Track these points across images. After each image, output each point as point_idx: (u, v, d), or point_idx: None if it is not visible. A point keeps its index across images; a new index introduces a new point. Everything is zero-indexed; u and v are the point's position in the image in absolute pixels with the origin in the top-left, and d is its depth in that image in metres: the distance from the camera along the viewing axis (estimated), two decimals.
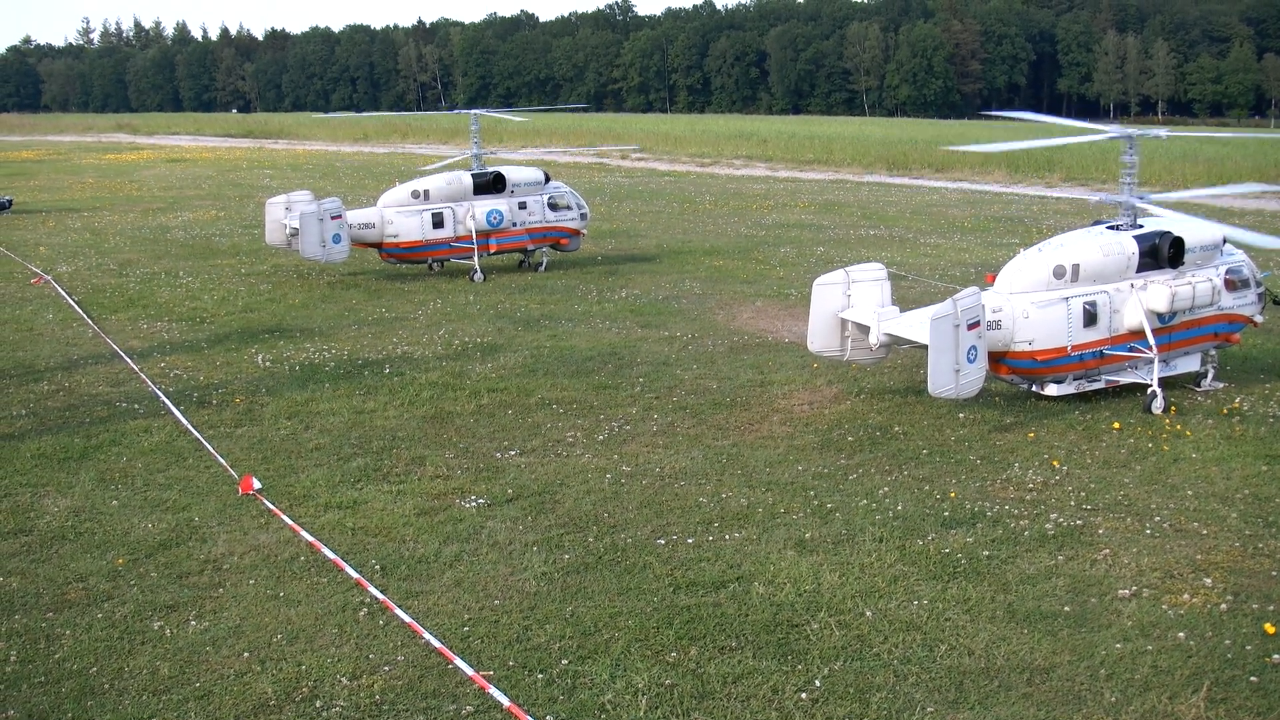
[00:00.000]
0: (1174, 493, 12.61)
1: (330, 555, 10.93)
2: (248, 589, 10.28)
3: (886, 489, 12.75)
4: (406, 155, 74.63)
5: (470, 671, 8.74)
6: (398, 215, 26.01)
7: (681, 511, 12.10)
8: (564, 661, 8.95)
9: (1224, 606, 9.87)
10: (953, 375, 13.95)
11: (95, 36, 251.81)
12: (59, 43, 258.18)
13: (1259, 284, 17.00)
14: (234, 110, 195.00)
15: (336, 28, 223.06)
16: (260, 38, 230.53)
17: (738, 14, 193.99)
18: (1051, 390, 15.60)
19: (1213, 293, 15.86)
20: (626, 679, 8.68)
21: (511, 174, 27.14)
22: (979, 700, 8.41)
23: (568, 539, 11.40)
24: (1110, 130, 17.39)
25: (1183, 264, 15.89)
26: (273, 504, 12.27)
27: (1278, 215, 39.54)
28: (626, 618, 9.68)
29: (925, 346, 14.17)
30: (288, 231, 25.89)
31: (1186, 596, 10.07)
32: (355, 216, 25.80)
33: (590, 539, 11.39)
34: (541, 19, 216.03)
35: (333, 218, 24.80)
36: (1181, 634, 9.38)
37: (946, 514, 11.98)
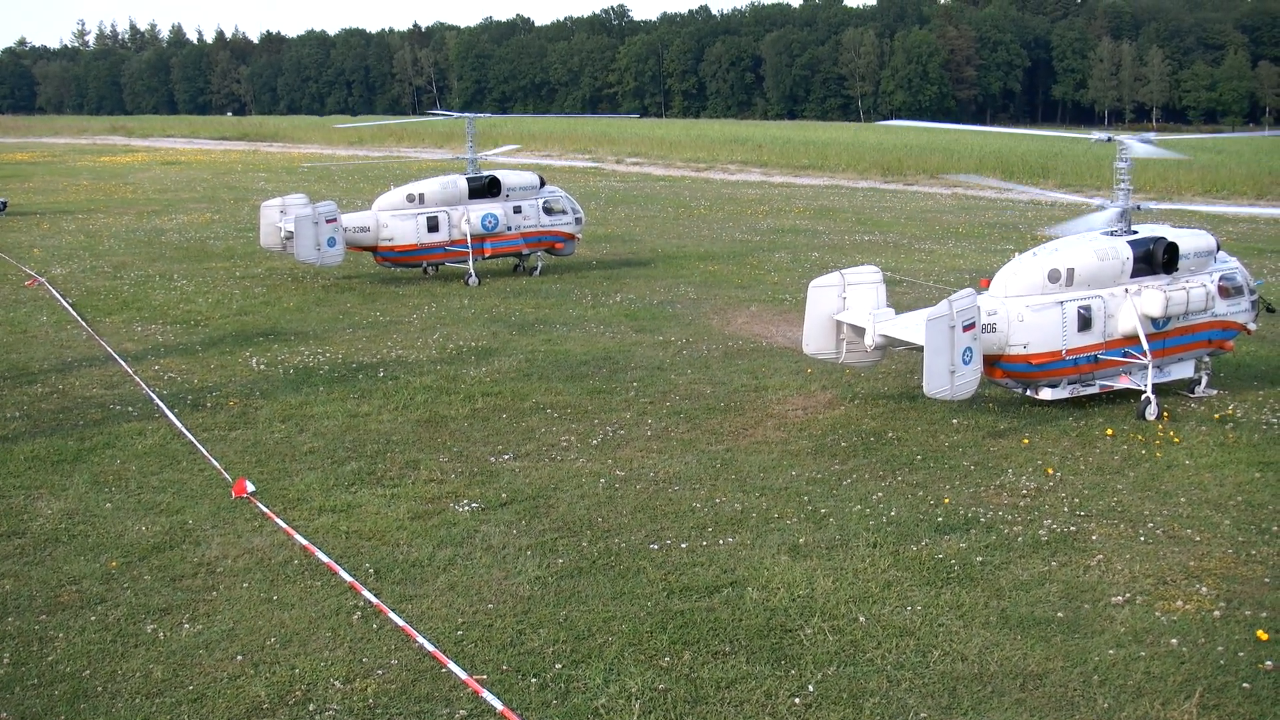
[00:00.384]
0: (1167, 499, 12.63)
1: (324, 559, 10.92)
2: (241, 592, 10.27)
3: (880, 494, 12.77)
4: (401, 159, 74.60)
5: (464, 675, 8.74)
6: (393, 219, 26.03)
7: (675, 516, 12.10)
8: (558, 666, 8.95)
9: (1217, 613, 9.89)
10: (948, 376, 13.99)
11: (90, 38, 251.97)
12: (54, 44, 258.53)
13: (1252, 291, 17.05)
14: (229, 113, 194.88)
15: (332, 31, 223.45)
16: (255, 41, 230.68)
17: (733, 19, 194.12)
18: (1046, 394, 15.63)
19: (1206, 299, 15.92)
20: (620, 683, 8.68)
21: (507, 178, 27.17)
22: (972, 706, 8.42)
23: (562, 543, 11.39)
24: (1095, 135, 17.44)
25: (1177, 270, 15.94)
26: (267, 507, 12.26)
27: (1271, 222, 39.60)
28: (620, 622, 9.68)
29: (921, 348, 14.20)
30: (283, 235, 25.89)
31: (1179, 603, 10.09)
32: (350, 220, 25.81)
33: (584, 543, 11.39)
34: (537, 23, 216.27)
35: (328, 221, 24.81)
36: (1174, 640, 9.40)
37: (940, 520, 11.99)
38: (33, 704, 8.46)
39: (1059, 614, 9.87)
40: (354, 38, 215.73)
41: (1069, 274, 15.36)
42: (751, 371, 18.28)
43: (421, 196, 26.24)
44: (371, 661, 9.03)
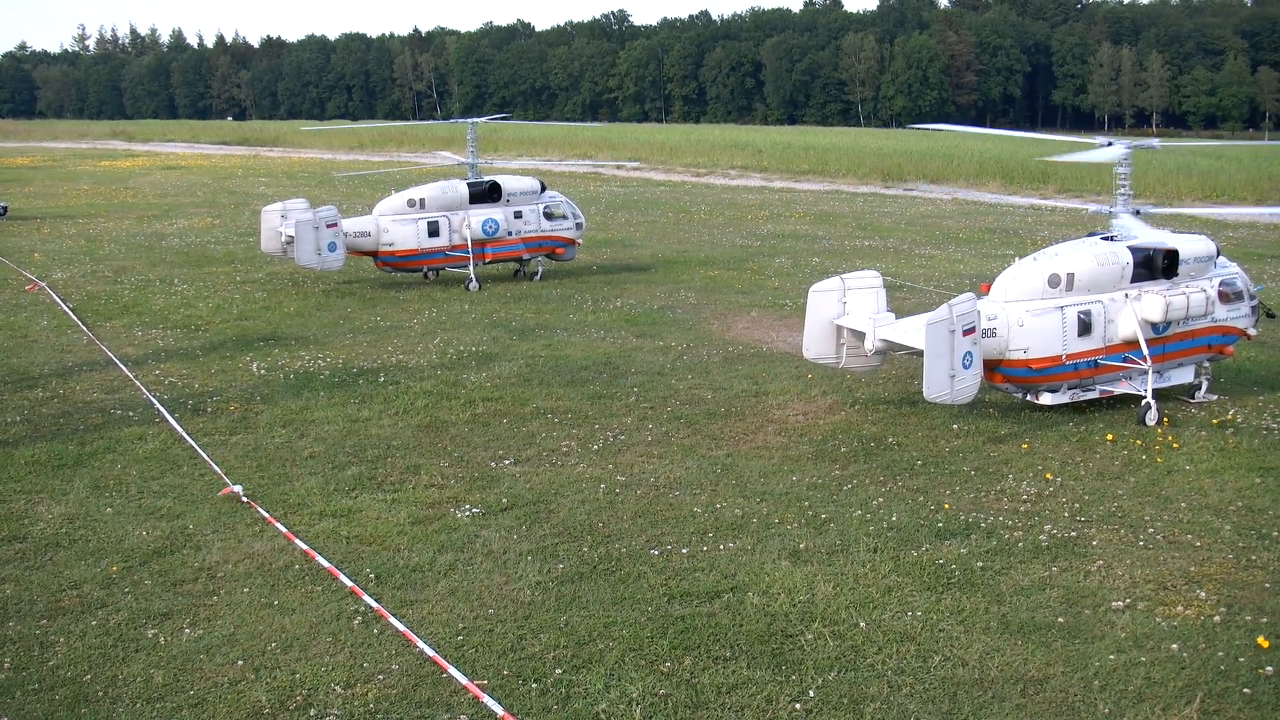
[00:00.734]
0: (1167, 505, 12.64)
1: (324, 564, 10.92)
2: (242, 597, 10.28)
3: (881, 500, 12.77)
4: (402, 164, 74.57)
5: (464, 681, 8.74)
6: (393, 224, 26.06)
7: (676, 521, 12.10)
8: (558, 671, 8.95)
9: (1217, 618, 9.89)
10: (948, 380, 14.00)
11: (91, 43, 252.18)
12: (54, 49, 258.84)
13: (1252, 297, 17.06)
14: (229, 118, 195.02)
15: (332, 36, 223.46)
16: (256, 45, 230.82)
17: (733, 24, 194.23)
18: (1046, 399, 15.64)
19: (1206, 304, 15.93)
20: (621, 688, 8.68)
21: (507, 183, 27.19)
22: (972, 711, 8.42)
23: (562, 548, 11.40)
24: (1098, 141, 17.46)
25: (1177, 275, 15.96)
26: (267, 512, 12.26)
27: (1271, 228, 39.61)
28: (621, 627, 9.68)
29: (921, 352, 14.21)
30: (283, 239, 25.92)
31: (1180, 608, 10.09)
32: (351, 225, 25.84)
33: (585, 549, 11.39)
34: (537, 28, 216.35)
35: (328, 226, 24.84)
36: (1175, 646, 9.40)
37: (940, 525, 11.99)
38: (33, 709, 8.46)
39: (1060, 619, 9.87)
40: (354, 42, 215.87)
41: (1069, 279, 15.37)
42: (752, 377, 18.29)
43: (422, 201, 26.27)
44: (372, 667, 9.03)
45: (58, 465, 13.88)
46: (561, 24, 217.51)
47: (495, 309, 24.34)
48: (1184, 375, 16.61)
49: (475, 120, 28.91)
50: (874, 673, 8.94)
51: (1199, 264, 16.27)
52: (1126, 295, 15.67)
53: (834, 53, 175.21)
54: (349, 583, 10.50)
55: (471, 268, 26.67)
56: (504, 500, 12.71)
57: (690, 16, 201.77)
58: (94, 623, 9.78)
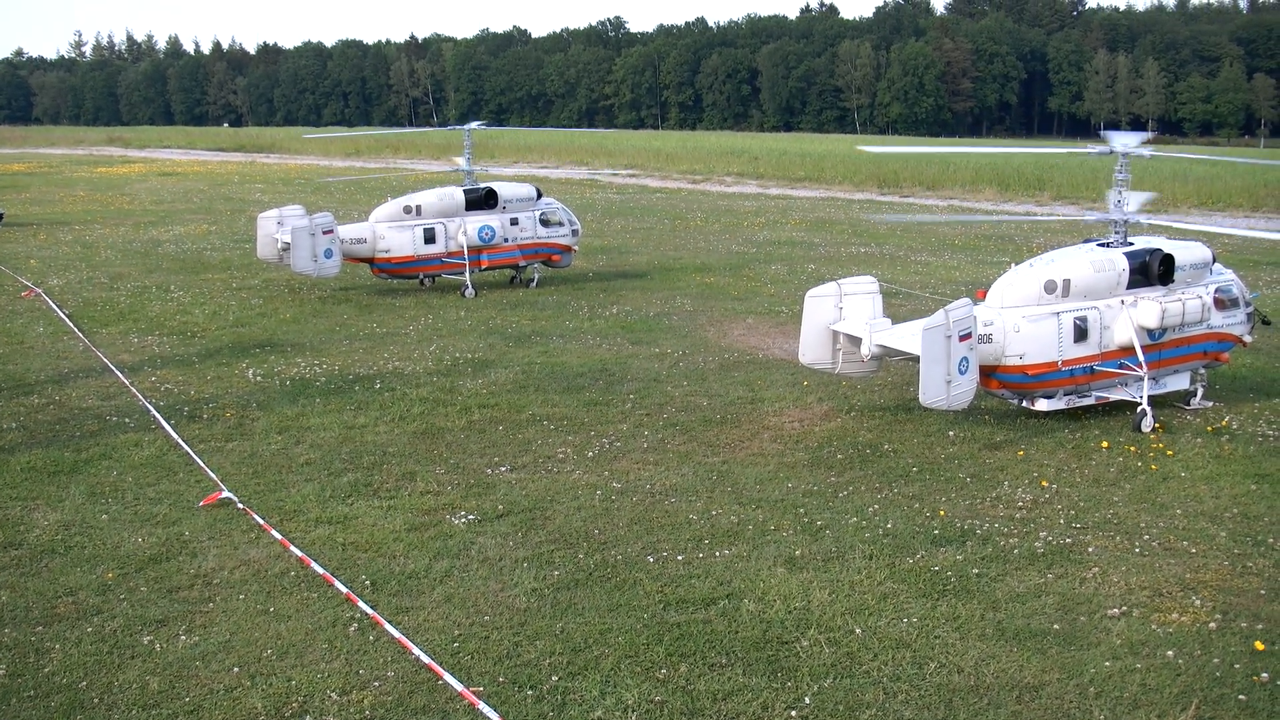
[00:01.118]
0: (1163, 511, 12.65)
1: (320, 570, 10.91)
2: (238, 604, 10.27)
3: (876, 506, 12.78)
4: (399, 171, 74.61)
5: (460, 687, 8.73)
6: (390, 230, 26.06)
7: (672, 528, 12.10)
8: (554, 678, 8.95)
9: (1213, 625, 9.90)
10: (944, 386, 14.01)
11: (87, 49, 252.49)
12: (51, 55, 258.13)
13: (1248, 304, 17.10)
14: (226, 124, 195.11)
15: (329, 42, 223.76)
16: (252, 52, 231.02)
17: (730, 31, 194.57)
18: (1042, 405, 15.65)
19: (1202, 310, 15.96)
20: (616, 695, 8.68)
21: (504, 190, 27.21)
22: (968, 718, 8.42)
23: (558, 555, 11.39)
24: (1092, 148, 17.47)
25: (1173, 281, 15.99)
26: (263, 519, 12.25)
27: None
28: (616, 634, 9.68)
29: (917, 358, 14.22)
30: (279, 246, 25.92)
31: (1175, 615, 10.10)
32: (347, 231, 25.84)
33: (580, 555, 11.39)
34: (534, 35, 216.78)
35: (324, 232, 24.83)
36: (1170, 652, 9.41)
37: (936, 532, 12.00)
38: (29, 715, 8.45)
39: (1055, 626, 9.88)
40: (351, 49, 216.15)
41: (1065, 285, 15.40)
42: (748, 383, 18.30)
43: (418, 208, 26.28)
44: (368, 673, 9.02)
45: (54, 472, 13.87)
46: (558, 31, 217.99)
47: (491, 316, 24.35)
48: (1180, 382, 16.64)
49: (470, 127, 28.86)
50: (869, 679, 8.94)
51: (1195, 270, 16.31)
52: (1123, 301, 15.70)
53: (830, 60, 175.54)
54: (344, 589, 10.49)
55: (468, 274, 26.68)
56: (500, 507, 12.71)
57: (686, 23, 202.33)
58: (90, 629, 9.77)
